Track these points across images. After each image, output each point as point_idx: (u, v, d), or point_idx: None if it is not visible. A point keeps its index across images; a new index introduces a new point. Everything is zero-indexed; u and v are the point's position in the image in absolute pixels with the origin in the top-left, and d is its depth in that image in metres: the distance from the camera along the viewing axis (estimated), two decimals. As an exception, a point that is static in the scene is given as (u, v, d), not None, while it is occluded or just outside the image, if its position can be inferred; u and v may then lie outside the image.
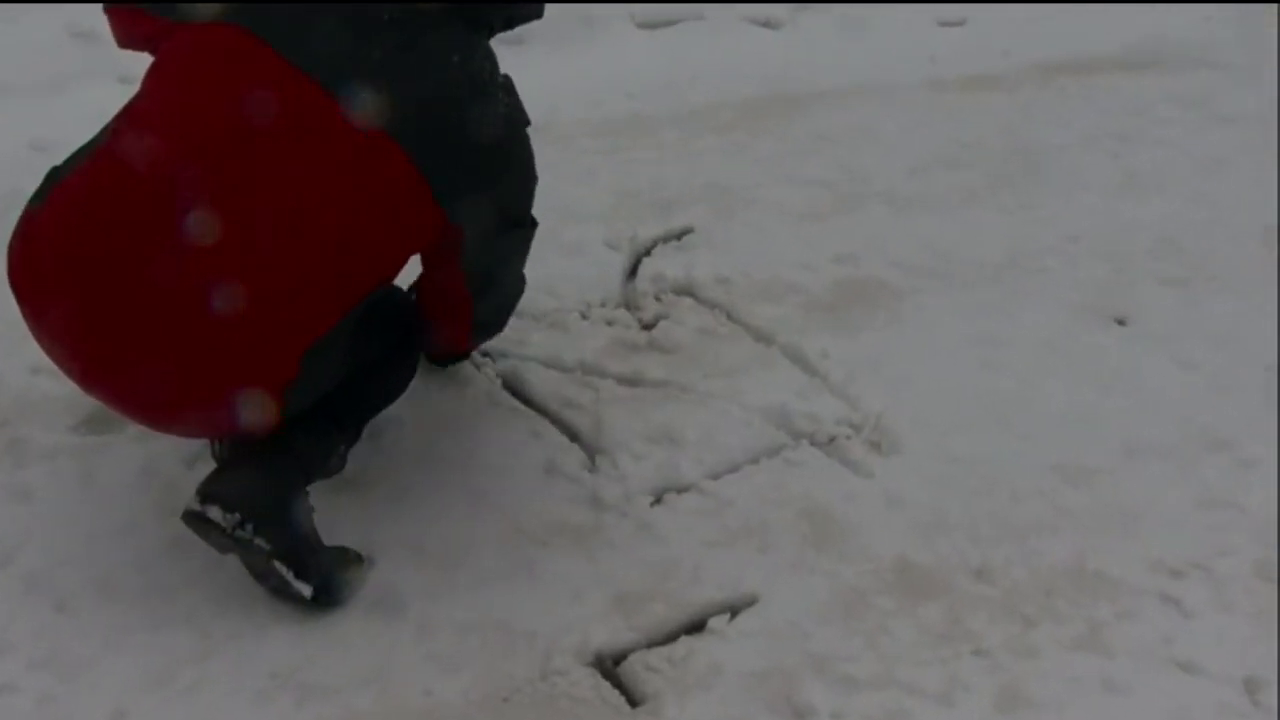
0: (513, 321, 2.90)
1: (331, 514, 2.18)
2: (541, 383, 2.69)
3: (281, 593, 2.06)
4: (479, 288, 2.24)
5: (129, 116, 1.99)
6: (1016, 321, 3.00)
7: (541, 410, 2.63)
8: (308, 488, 2.10)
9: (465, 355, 2.67)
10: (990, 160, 3.86)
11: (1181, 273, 3.23)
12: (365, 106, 1.89)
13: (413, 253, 2.12)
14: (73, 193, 1.93)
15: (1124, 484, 2.49)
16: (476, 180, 2.05)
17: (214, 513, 1.97)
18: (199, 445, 2.39)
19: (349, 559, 2.16)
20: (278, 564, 2.01)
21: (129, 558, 2.19)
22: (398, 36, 1.96)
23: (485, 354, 2.78)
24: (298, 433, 2.05)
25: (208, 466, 2.21)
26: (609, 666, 2.06)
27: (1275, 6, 4.11)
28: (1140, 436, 2.61)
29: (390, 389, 2.28)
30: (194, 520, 1.99)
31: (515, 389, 2.69)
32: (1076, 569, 2.27)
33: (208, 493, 1.99)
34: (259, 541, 1.98)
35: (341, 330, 1.98)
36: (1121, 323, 3.04)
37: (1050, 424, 2.64)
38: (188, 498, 2.01)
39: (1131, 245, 3.36)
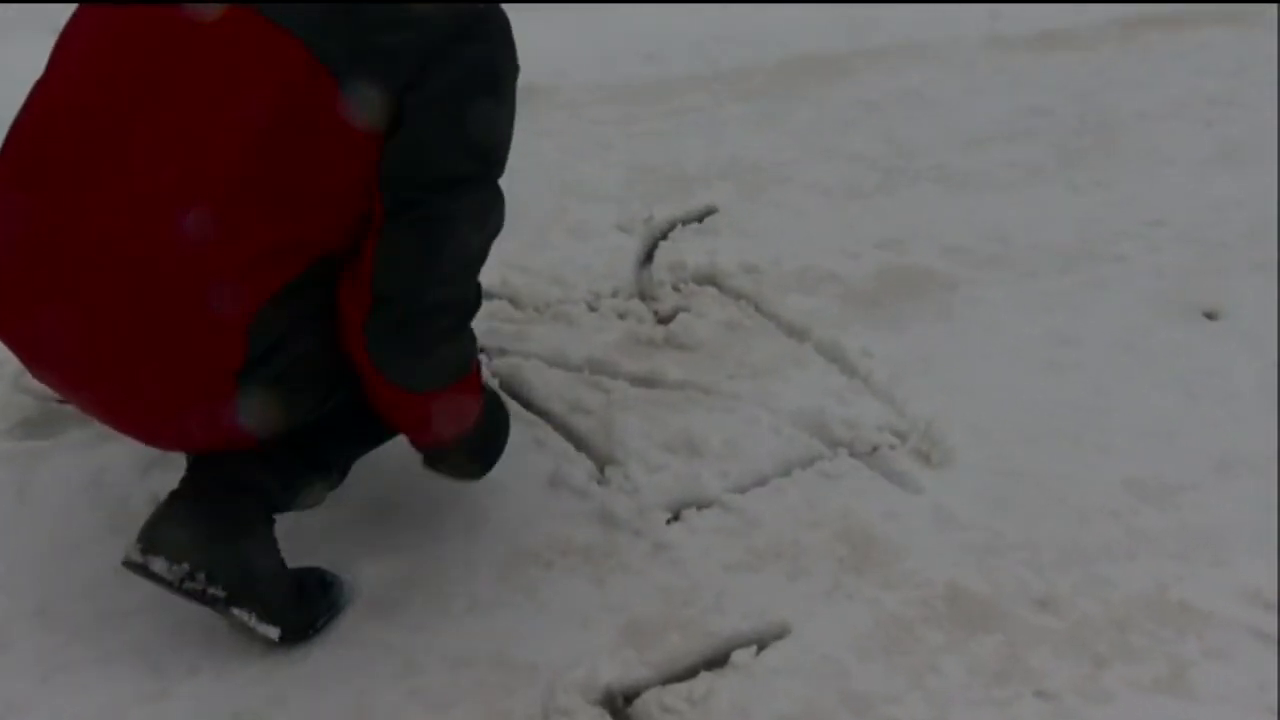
0: (513, 313, 2.94)
1: (305, 533, 2.21)
2: (545, 383, 2.72)
3: (246, 630, 2.08)
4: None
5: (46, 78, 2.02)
6: (1088, 317, 3.01)
7: (545, 414, 2.66)
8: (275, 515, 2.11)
9: (450, 451, 2.25)
10: (1060, 131, 3.87)
11: (1281, 260, 3.25)
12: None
13: (349, 209, 1.97)
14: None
15: (1212, 503, 2.49)
16: (399, 68, 1.89)
17: (158, 565, 1.98)
18: (155, 451, 2.41)
19: (324, 584, 2.19)
20: (236, 610, 2.03)
21: (71, 582, 2.22)
22: None
23: (481, 350, 2.80)
24: (262, 464, 2.05)
25: (165, 475, 2.24)
26: (619, 705, 2.08)
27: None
28: (1231, 449, 2.62)
29: (386, 431, 2.20)
30: (136, 570, 2.00)
31: (515, 390, 2.72)
32: (1156, 600, 2.28)
33: (151, 540, 1.99)
34: (212, 591, 1.99)
35: (294, 300, 1.93)
36: (1211, 317, 3.05)
37: (1126, 434, 2.65)
38: (141, 515, 2.03)
39: (1223, 228, 3.37)
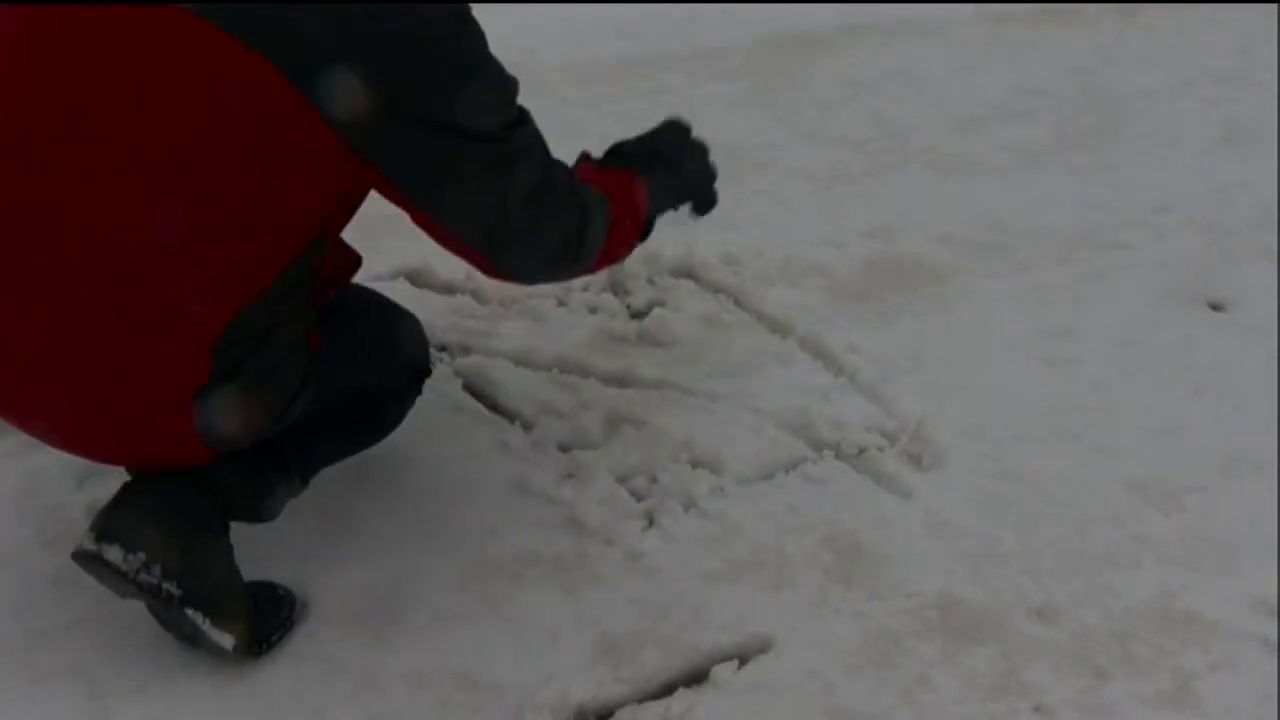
0: (477, 308, 2.95)
1: (254, 544, 2.20)
2: (512, 383, 2.74)
3: (195, 642, 2.09)
4: (472, 234, 2.06)
5: None
6: (1089, 309, 3.04)
7: (511, 416, 2.67)
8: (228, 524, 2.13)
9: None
10: (1059, 111, 3.90)
11: (1292, 248, 3.28)
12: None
13: (319, 190, 1.97)
14: None
15: (1219, 506, 2.52)
16: (333, 43, 1.84)
17: (112, 554, 1.97)
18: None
19: (277, 597, 2.19)
20: (190, 612, 2.03)
21: (3, 598, 2.21)
22: None
23: (442, 348, 2.82)
24: (224, 465, 2.06)
25: (102, 483, 2.24)
26: (592, 726, 2.10)
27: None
28: (1240, 448, 2.65)
29: (361, 440, 2.28)
30: (88, 561, 2.00)
31: (479, 390, 2.73)
32: (1160, 609, 2.30)
33: (105, 529, 1.99)
34: (167, 587, 1.99)
35: (263, 319, 1.95)
36: (1218, 308, 3.08)
37: (1128, 433, 2.68)
38: (78, 525, 2.04)
39: (1230, 214, 3.40)
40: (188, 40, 1.83)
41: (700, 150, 2.59)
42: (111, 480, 2.13)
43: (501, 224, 2.03)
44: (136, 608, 2.11)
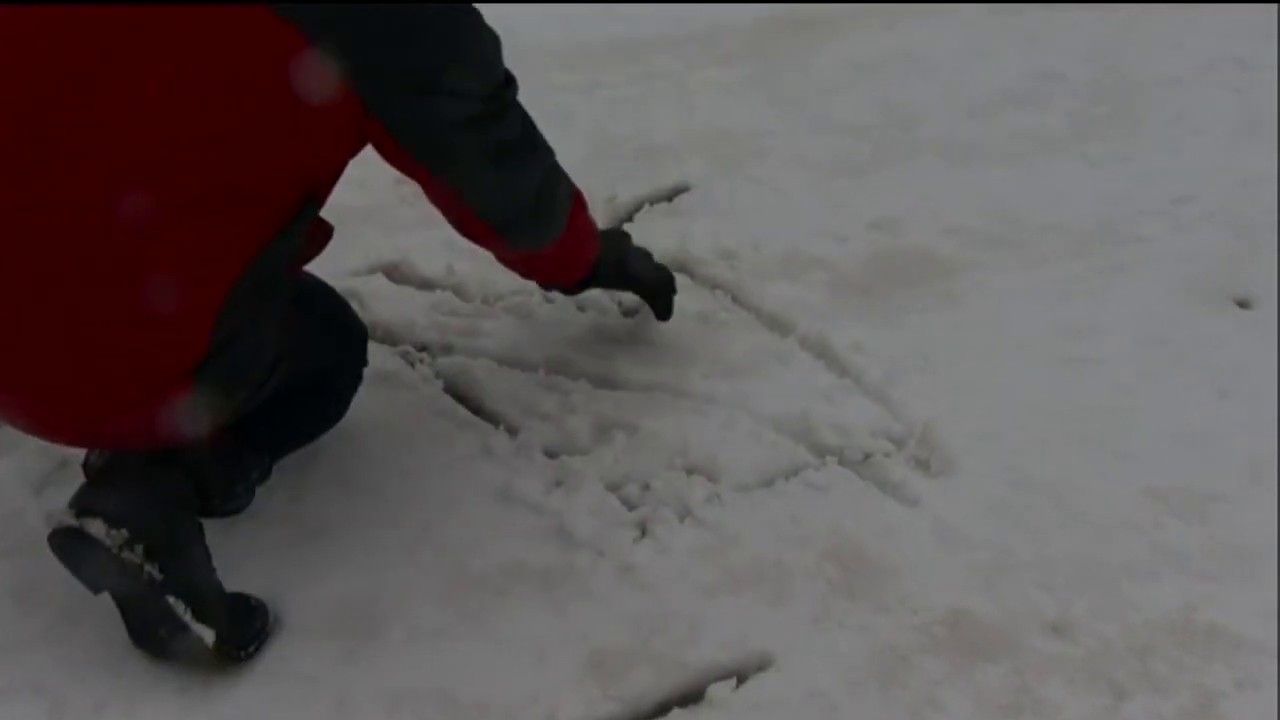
0: (459, 305, 2.94)
1: (225, 554, 2.20)
2: (496, 385, 2.73)
3: (168, 645, 2.09)
4: (478, 200, 2.31)
5: None
6: (1107, 306, 3.04)
7: (495, 420, 2.67)
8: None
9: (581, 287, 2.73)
10: (1075, 97, 3.89)
11: (1322, 241, 3.27)
12: None
13: (325, 153, 2.13)
14: None
15: (1245, 515, 2.51)
16: (359, 23, 2.03)
17: (95, 528, 2.00)
18: (50, 465, 2.42)
19: (250, 609, 2.19)
20: (172, 600, 2.04)
21: (-43, 613, 2.22)
22: None
23: (422, 348, 2.81)
24: (200, 445, 2.11)
25: (61, 494, 2.23)
26: (581, 748, 2.09)
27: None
28: (1267, 454, 2.63)
29: (323, 415, 2.41)
30: (67, 540, 2.02)
31: (461, 393, 2.73)
32: (1182, 623, 2.29)
33: (86, 505, 2.02)
34: (150, 570, 2.01)
35: (258, 288, 2.02)
36: (1244, 305, 3.07)
37: (1150, 438, 2.67)
38: (36, 534, 2.03)
39: (1257, 206, 3.39)
40: (233, 20, 1.94)
41: (646, 253, 2.80)
42: (71, 488, 2.13)
43: (487, 165, 2.26)
44: (100, 622, 2.11)
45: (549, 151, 2.40)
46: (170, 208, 1.92)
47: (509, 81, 2.27)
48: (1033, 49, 4.12)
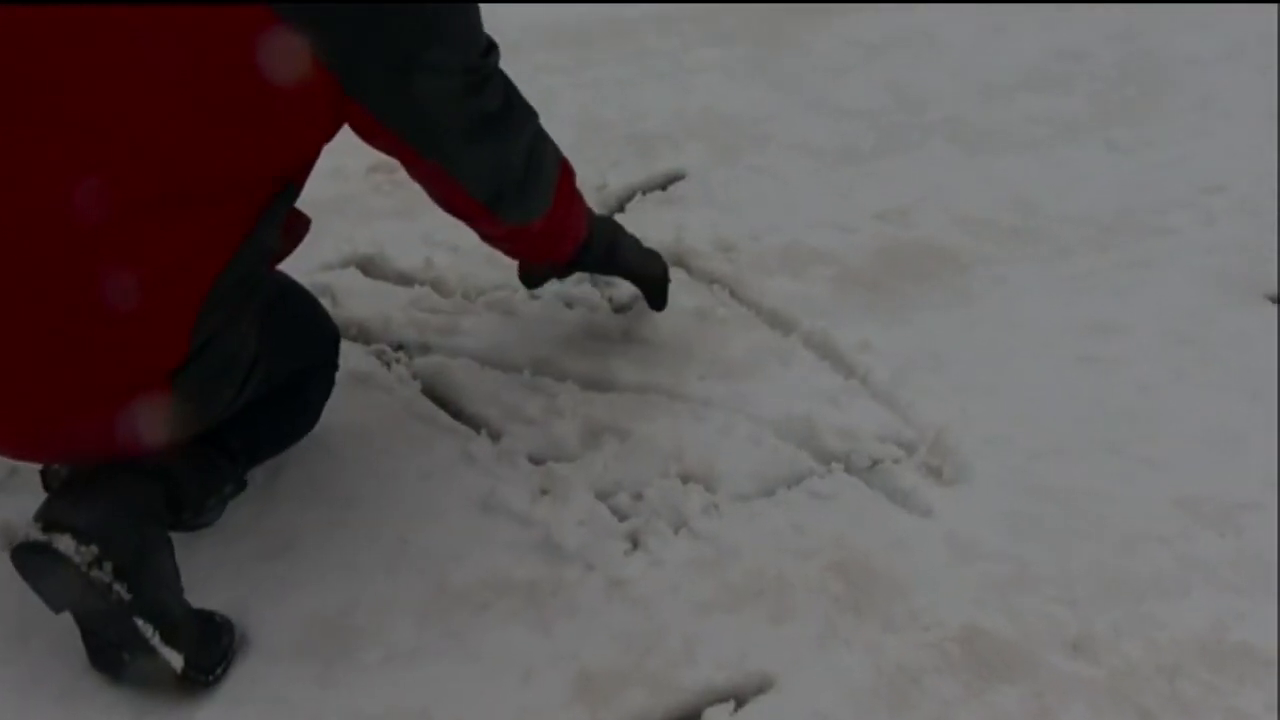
0: (439, 301, 2.95)
1: (194, 569, 2.21)
2: (478, 386, 2.74)
3: (130, 668, 2.09)
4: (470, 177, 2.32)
5: None
6: (1131, 301, 3.04)
7: (477, 424, 2.67)
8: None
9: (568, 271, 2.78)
10: (1098, 79, 3.90)
11: (1361, 233, 3.28)
12: None
13: (301, 138, 2.15)
14: None
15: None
16: None
17: (64, 544, 1.99)
18: (1, 472, 2.42)
19: (215, 628, 2.19)
20: (141, 622, 2.04)
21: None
22: None
23: (399, 347, 2.81)
24: (173, 454, 2.12)
25: (12, 500, 2.23)
26: (569, 775, 2.10)
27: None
28: (1303, 460, 2.65)
29: (295, 421, 2.43)
30: (33, 554, 2.01)
31: (441, 395, 2.73)
32: (1213, 642, 2.30)
33: (54, 518, 2.02)
34: (118, 589, 2.01)
35: (236, 286, 2.04)
36: (1276, 301, 3.07)
37: (1177, 443, 2.67)
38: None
39: (1291, 196, 3.40)
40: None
41: (638, 241, 2.80)
42: (20, 497, 2.13)
43: (473, 138, 2.26)
44: (52, 643, 2.10)
45: (533, 114, 2.40)
46: (145, 203, 1.93)
47: (490, 49, 2.27)
48: (1053, 27, 4.13)
